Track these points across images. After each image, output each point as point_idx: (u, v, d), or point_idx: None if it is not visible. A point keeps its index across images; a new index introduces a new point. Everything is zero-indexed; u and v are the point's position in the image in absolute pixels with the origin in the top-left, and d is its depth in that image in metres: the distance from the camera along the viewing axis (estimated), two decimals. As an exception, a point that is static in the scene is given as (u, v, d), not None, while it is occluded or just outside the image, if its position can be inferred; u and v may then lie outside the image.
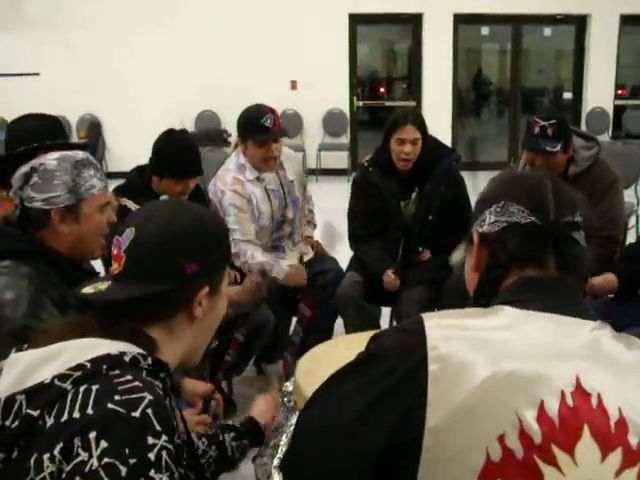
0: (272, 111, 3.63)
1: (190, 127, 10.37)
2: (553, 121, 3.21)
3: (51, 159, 2.02)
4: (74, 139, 10.69)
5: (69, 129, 10.99)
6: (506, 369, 1.06)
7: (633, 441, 1.06)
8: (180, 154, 3.23)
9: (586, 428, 1.04)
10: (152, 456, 1.10)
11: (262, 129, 3.57)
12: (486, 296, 1.27)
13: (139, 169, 3.41)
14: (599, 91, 11.48)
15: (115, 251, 1.35)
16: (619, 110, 11.72)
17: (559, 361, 1.10)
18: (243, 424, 1.94)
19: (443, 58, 11.13)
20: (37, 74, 10.66)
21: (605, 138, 10.82)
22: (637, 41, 12.70)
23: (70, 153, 2.07)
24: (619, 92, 11.93)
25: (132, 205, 3.09)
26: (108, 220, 2.13)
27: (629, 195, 6.05)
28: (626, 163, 6.11)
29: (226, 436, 1.85)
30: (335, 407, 1.16)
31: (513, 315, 1.17)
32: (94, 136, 10.11)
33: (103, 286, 1.34)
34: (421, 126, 3.59)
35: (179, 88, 10.49)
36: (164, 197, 3.16)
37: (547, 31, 12.11)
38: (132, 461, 1.08)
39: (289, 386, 2.40)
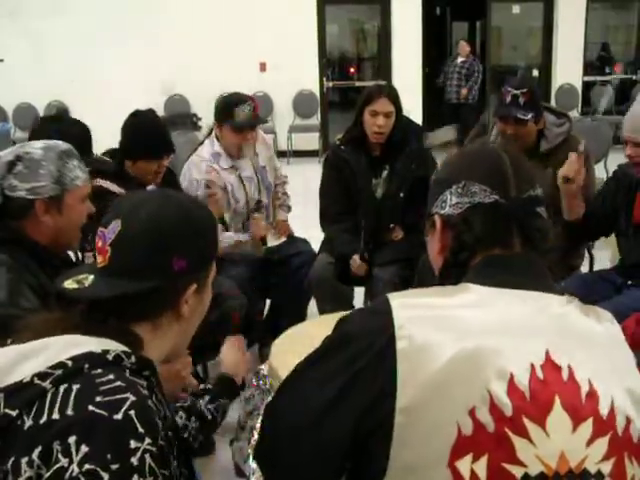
0: (251, 99, 3.64)
1: (159, 111, 10.27)
2: (525, 89, 3.22)
3: (37, 147, 1.98)
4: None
5: (36, 117, 10.84)
6: (474, 345, 1.07)
7: (603, 411, 1.07)
8: (150, 134, 3.21)
9: (557, 400, 1.05)
10: (135, 461, 1.06)
11: (240, 116, 3.56)
12: (452, 277, 1.25)
13: (107, 154, 3.36)
14: (568, 68, 11.53)
15: (100, 243, 1.29)
16: (588, 86, 11.79)
17: (528, 336, 1.11)
18: (216, 383, 1.91)
19: (413, 37, 11.10)
20: (1, 60, 10.50)
21: (574, 114, 10.88)
22: (605, 17, 12.81)
23: (55, 143, 2.04)
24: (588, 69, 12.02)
25: (108, 185, 3.05)
26: (88, 211, 2.10)
27: (598, 170, 6.09)
28: (595, 139, 6.16)
29: (201, 402, 1.82)
30: (307, 394, 1.15)
31: (480, 292, 1.17)
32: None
33: (87, 281, 1.28)
34: (395, 100, 3.57)
35: (147, 72, 10.38)
36: (151, 187, 3.14)
37: (516, 8, 12.14)
38: (114, 467, 1.04)
39: (264, 369, 2.40)
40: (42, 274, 1.95)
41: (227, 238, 3.61)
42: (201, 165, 3.66)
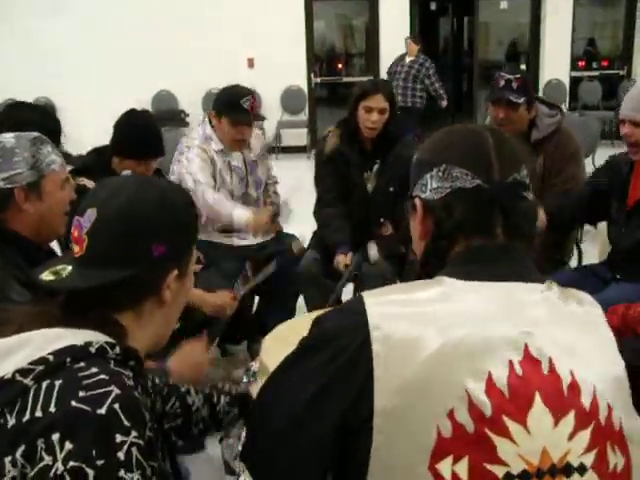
0: (252, 94, 3.65)
1: (147, 107, 10.23)
2: (518, 75, 3.28)
3: (8, 137, 1.97)
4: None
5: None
6: (451, 342, 1.05)
7: (586, 402, 1.07)
8: (141, 134, 3.20)
9: (537, 395, 1.05)
10: (121, 455, 1.05)
11: (239, 110, 3.57)
12: (432, 265, 1.23)
13: (96, 151, 3.37)
14: (555, 63, 11.56)
15: (75, 233, 1.25)
16: (575, 82, 11.84)
17: (506, 330, 1.09)
18: (238, 395, 1.86)
19: (400, 32, 11.09)
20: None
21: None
22: (592, 13, 12.86)
23: (26, 132, 2.03)
24: (580, 64, 12.05)
25: (91, 184, 3.05)
26: (69, 198, 2.09)
27: (587, 165, 6.11)
28: (583, 134, 6.17)
29: (222, 398, 1.78)
30: (287, 396, 1.14)
31: (454, 286, 1.14)
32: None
33: (64, 271, 1.24)
34: (390, 97, 3.59)
35: (135, 68, 10.33)
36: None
37: (503, 4, 12.15)
38: (100, 463, 1.03)
39: (254, 365, 2.39)
40: (29, 269, 1.94)
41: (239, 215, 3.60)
42: (192, 142, 3.69)
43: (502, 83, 3.28)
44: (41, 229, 2.03)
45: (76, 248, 1.26)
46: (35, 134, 2.03)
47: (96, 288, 1.22)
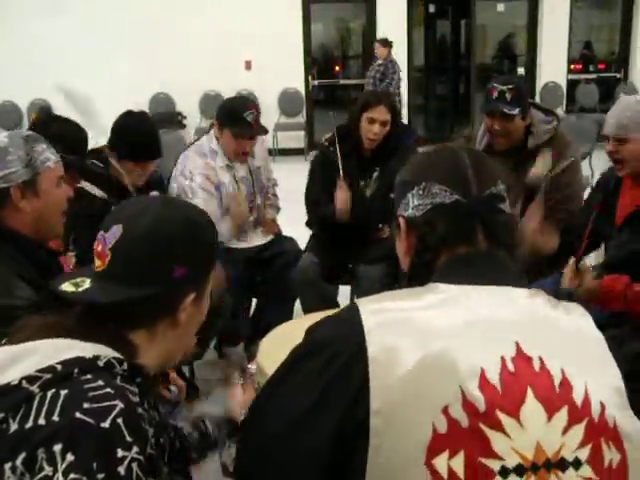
0: (256, 107, 3.65)
1: (144, 109, 10.20)
2: (511, 85, 3.22)
3: (0, 137, 1.97)
4: (24, 126, 10.51)
5: (19, 115, 10.81)
6: (444, 344, 1.08)
7: (578, 399, 1.09)
8: (138, 136, 3.19)
9: (530, 391, 1.07)
10: (122, 470, 1.04)
11: (242, 123, 3.57)
12: (419, 278, 1.26)
13: (99, 150, 3.36)
14: (552, 66, 11.58)
15: (99, 248, 1.27)
16: (572, 84, 11.86)
17: (498, 330, 1.12)
18: (224, 419, 1.83)
19: (398, 35, 11.11)
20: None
21: (559, 112, 10.91)
22: (588, 16, 12.89)
23: (18, 130, 2.04)
24: (572, 67, 12.06)
25: (90, 187, 3.04)
26: (66, 195, 2.09)
27: (583, 168, 6.11)
28: (580, 136, 6.19)
29: (207, 421, 1.76)
30: (281, 407, 1.15)
31: (449, 290, 1.18)
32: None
33: (84, 284, 1.26)
34: (393, 109, 3.62)
35: (132, 70, 10.33)
36: (154, 193, 3.12)
37: (500, 7, 12.16)
38: (100, 476, 1.02)
39: (251, 368, 2.39)
40: (31, 267, 1.94)
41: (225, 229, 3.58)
42: (197, 160, 3.66)
43: (495, 95, 3.22)
44: (39, 227, 2.03)
45: (98, 262, 1.27)
46: (28, 132, 2.03)
47: (117, 304, 1.23)
